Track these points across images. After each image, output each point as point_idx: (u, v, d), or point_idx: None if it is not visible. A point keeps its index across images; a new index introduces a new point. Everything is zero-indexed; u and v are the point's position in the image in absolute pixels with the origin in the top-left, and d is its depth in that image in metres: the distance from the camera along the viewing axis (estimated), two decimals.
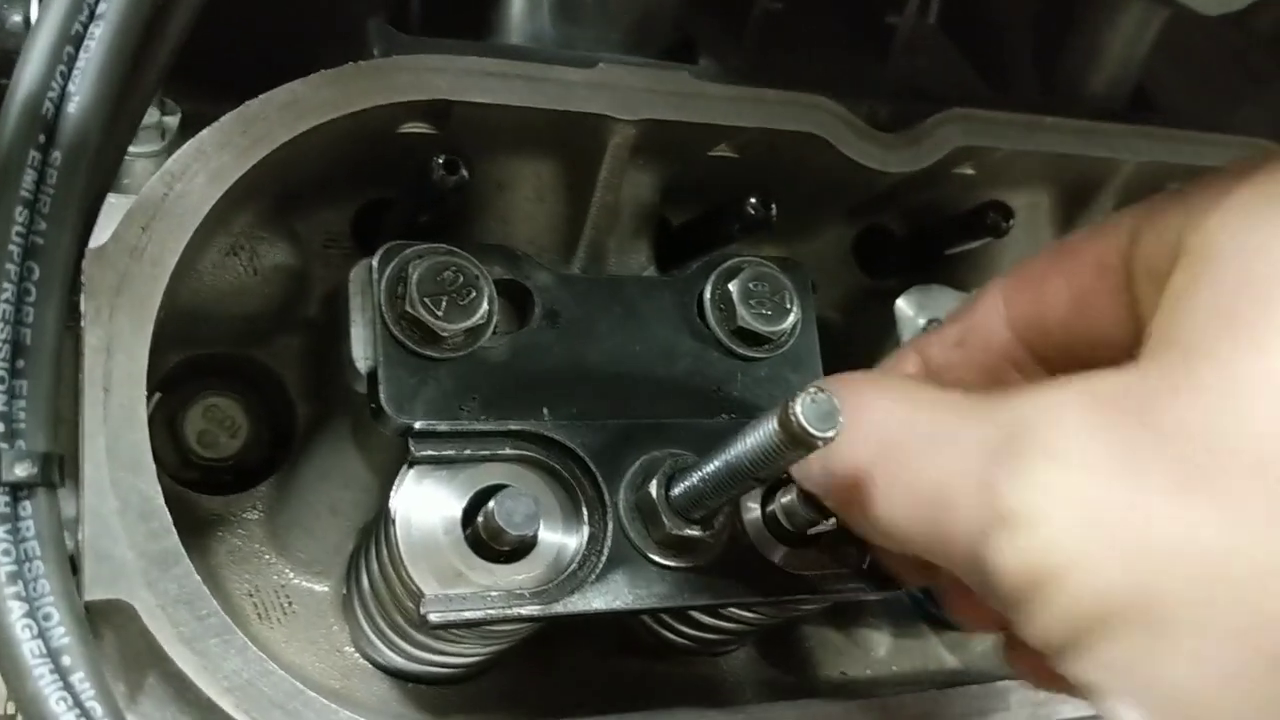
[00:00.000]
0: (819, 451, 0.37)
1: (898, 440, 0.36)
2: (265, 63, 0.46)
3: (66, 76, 0.39)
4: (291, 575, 0.50)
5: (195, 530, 0.49)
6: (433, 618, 0.41)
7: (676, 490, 0.43)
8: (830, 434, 0.37)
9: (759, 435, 0.39)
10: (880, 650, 0.59)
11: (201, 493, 0.51)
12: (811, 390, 0.37)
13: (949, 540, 0.34)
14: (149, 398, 0.41)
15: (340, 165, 0.48)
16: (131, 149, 0.48)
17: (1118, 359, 0.41)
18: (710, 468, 0.42)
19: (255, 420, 0.53)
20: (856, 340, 0.59)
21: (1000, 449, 0.32)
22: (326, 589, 0.50)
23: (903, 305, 0.56)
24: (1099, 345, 0.40)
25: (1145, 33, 0.64)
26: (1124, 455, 0.30)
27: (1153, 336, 0.33)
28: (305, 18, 0.55)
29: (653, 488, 0.44)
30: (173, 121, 0.52)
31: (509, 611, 0.42)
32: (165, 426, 0.52)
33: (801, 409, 0.37)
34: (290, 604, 0.49)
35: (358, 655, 0.49)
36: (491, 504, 0.42)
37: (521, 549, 0.43)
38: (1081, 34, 0.63)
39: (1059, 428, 0.31)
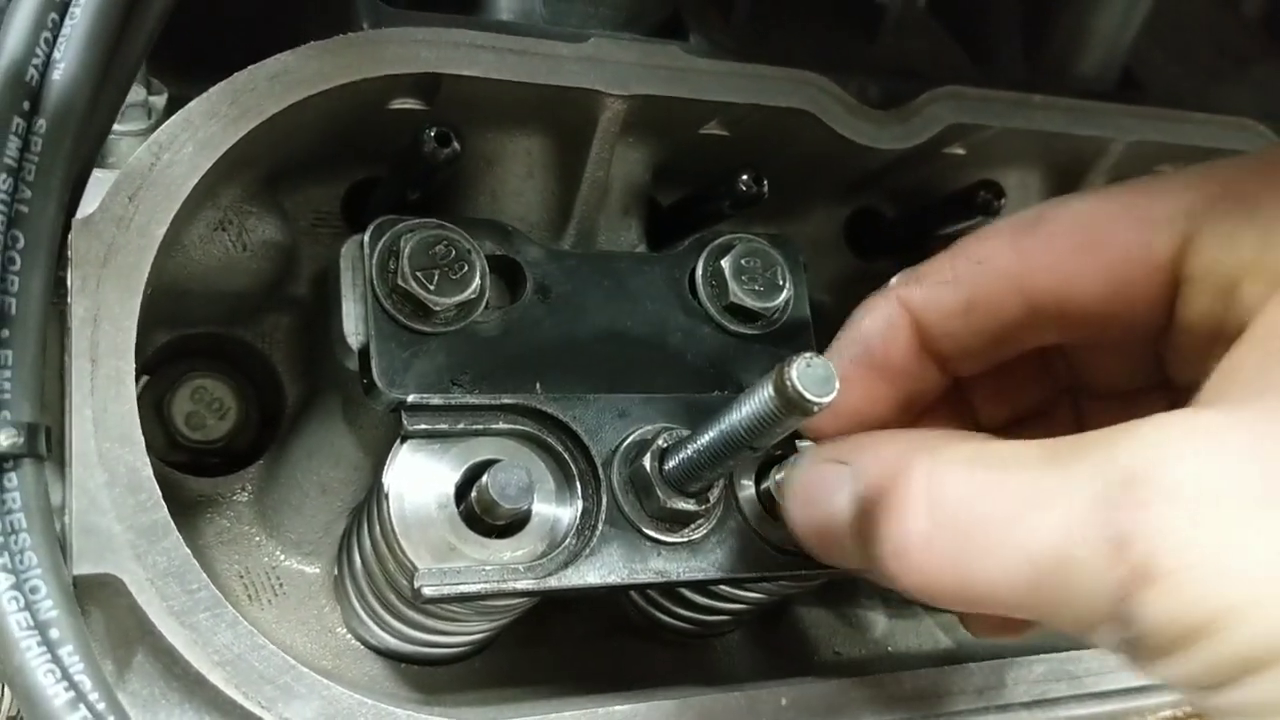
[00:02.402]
0: (895, 542, 0.36)
1: (986, 512, 0.34)
2: (251, 44, 0.45)
3: (51, 44, 0.38)
4: (282, 556, 0.50)
5: (184, 512, 0.49)
6: (427, 591, 0.40)
7: (671, 463, 0.43)
8: (826, 399, 0.37)
9: (754, 403, 0.39)
10: (875, 630, 0.58)
11: (190, 474, 0.50)
12: (807, 355, 0.37)
13: (1070, 603, 0.31)
14: (136, 379, 0.41)
15: (329, 141, 0.47)
16: (117, 127, 0.48)
17: (1144, 338, 0.41)
18: (705, 438, 0.42)
19: (243, 401, 0.53)
20: None
21: (1119, 500, 0.30)
22: (317, 570, 0.50)
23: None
24: (1127, 327, 0.40)
25: (1133, 14, 0.64)
26: (1260, 486, 0.29)
27: (1246, 366, 0.32)
28: (290, 4, 0.55)
29: (646, 460, 0.44)
30: (159, 101, 0.52)
31: (503, 585, 0.42)
32: (153, 409, 0.52)
33: (797, 374, 0.37)
34: (281, 585, 0.49)
35: (349, 636, 0.49)
36: (485, 478, 0.42)
37: (515, 523, 0.43)
38: (1069, 15, 0.63)
39: (1180, 466, 0.30)
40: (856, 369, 0.43)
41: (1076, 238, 0.40)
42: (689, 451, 0.42)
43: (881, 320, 0.43)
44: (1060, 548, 0.31)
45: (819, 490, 0.40)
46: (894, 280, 0.44)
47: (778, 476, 0.46)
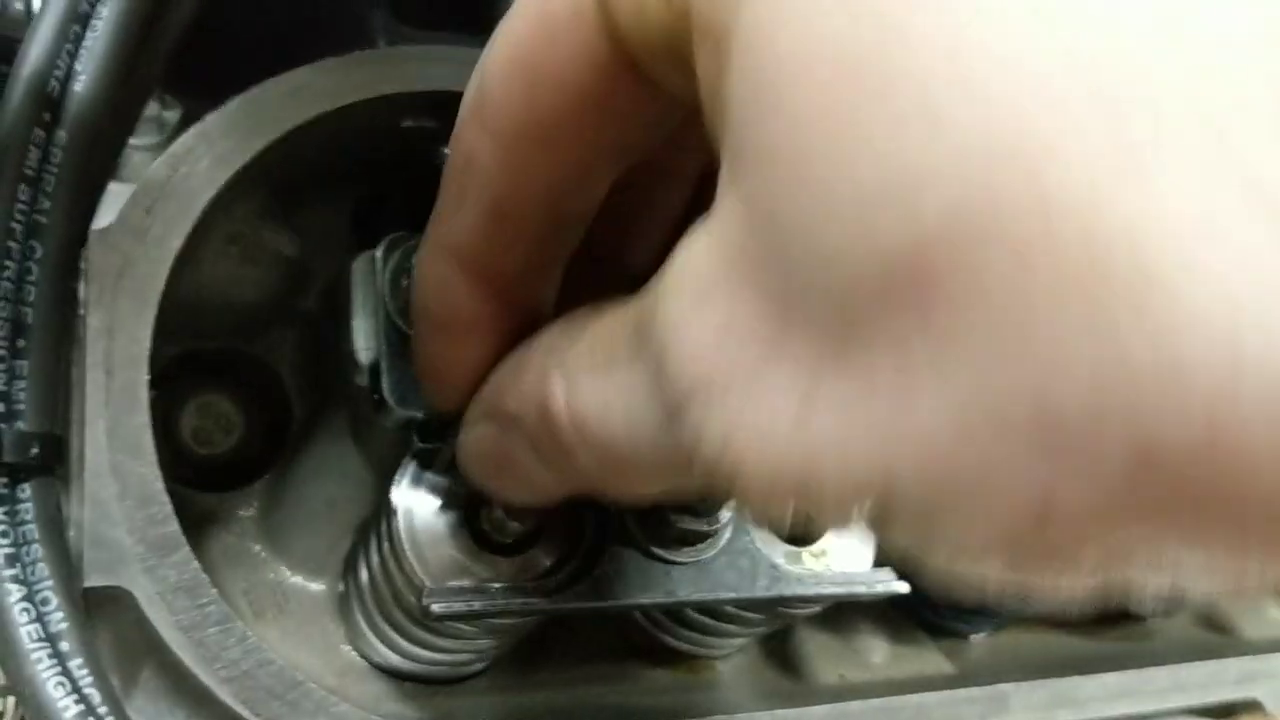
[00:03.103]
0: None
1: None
2: (266, 62, 0.46)
3: (73, 55, 0.39)
4: (287, 573, 0.49)
5: (189, 527, 0.48)
6: (435, 608, 0.40)
7: None
8: None
9: None
10: (877, 656, 0.58)
11: (195, 490, 0.50)
12: None
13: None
14: None
15: (342, 157, 0.47)
16: (131, 140, 0.48)
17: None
18: None
19: (250, 417, 0.53)
20: None
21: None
22: (323, 587, 0.49)
23: None
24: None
25: None
26: None
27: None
28: (303, 20, 0.55)
29: None
30: (172, 116, 0.52)
31: (511, 604, 0.41)
32: (159, 424, 0.51)
33: None
34: (286, 602, 0.49)
35: (354, 653, 0.49)
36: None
37: (524, 541, 0.43)
38: None
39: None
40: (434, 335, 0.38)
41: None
42: None
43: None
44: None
45: (493, 453, 0.37)
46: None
47: None
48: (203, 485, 0.50)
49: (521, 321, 0.36)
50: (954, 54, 0.19)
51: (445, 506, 0.43)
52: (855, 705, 0.48)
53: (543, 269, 0.36)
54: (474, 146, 0.33)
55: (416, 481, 0.43)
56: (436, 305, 0.37)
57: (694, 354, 0.25)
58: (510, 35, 0.31)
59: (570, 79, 0.30)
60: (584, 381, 0.31)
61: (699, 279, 0.25)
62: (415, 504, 0.43)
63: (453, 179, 0.35)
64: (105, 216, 0.40)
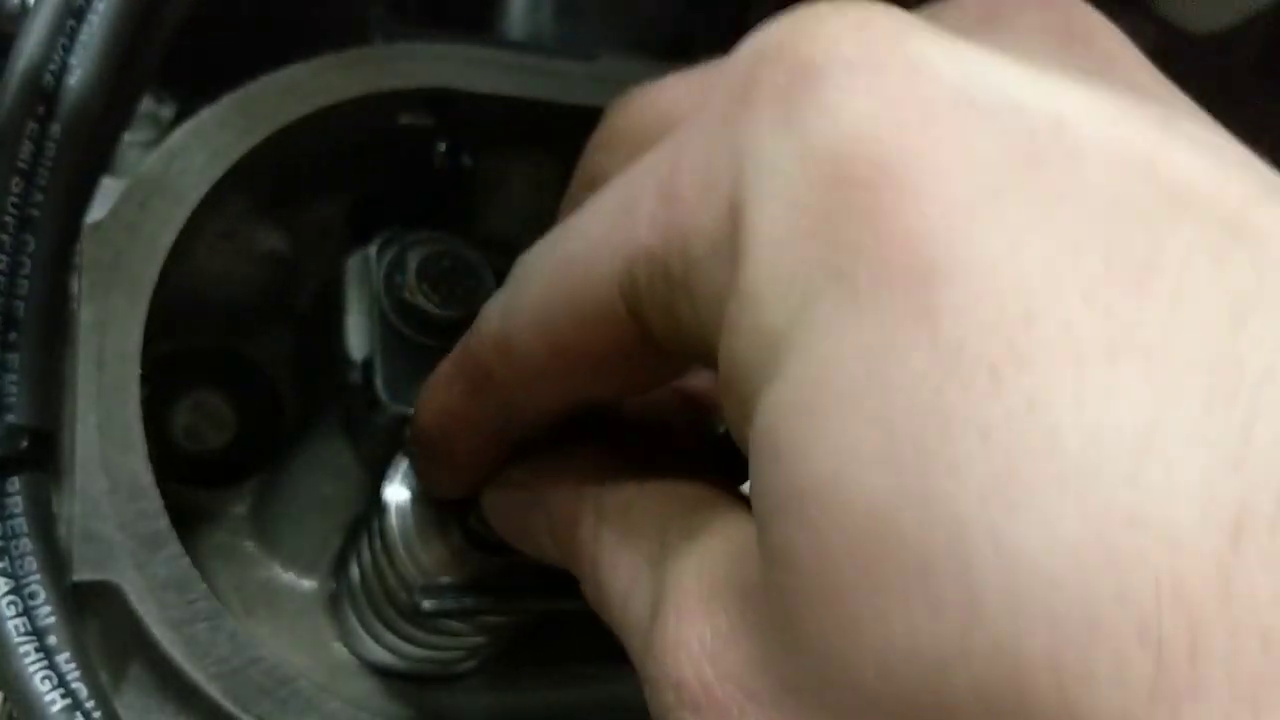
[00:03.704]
0: None
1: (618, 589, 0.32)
2: (263, 59, 0.46)
3: (68, 49, 0.39)
4: (279, 570, 0.49)
5: (181, 524, 0.48)
6: (426, 606, 0.40)
7: None
8: None
9: None
10: None
11: (187, 487, 0.50)
12: None
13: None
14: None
15: (338, 154, 0.47)
16: (126, 137, 0.48)
17: None
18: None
19: (243, 414, 0.52)
20: None
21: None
22: (314, 584, 0.49)
23: None
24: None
25: None
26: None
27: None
28: (299, 17, 0.55)
29: None
30: (168, 112, 0.52)
31: (503, 602, 0.41)
32: (152, 420, 0.51)
33: None
34: (277, 599, 0.49)
35: (345, 651, 0.48)
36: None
37: None
38: None
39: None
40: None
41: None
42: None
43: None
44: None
45: (518, 525, 0.38)
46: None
47: None
48: (194, 482, 0.50)
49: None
50: (999, 550, 0.19)
51: (438, 504, 0.43)
52: None
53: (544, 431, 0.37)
54: (491, 368, 0.34)
55: (409, 479, 0.43)
56: (437, 443, 0.39)
57: (687, 681, 0.25)
58: (538, 307, 0.31)
59: (595, 352, 0.30)
60: (611, 538, 0.32)
61: (709, 589, 0.26)
62: (407, 501, 0.43)
63: (462, 371, 0.36)
64: (99, 211, 0.40)
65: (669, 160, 0.27)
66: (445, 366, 0.38)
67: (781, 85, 0.24)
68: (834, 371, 0.22)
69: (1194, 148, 0.22)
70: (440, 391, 0.38)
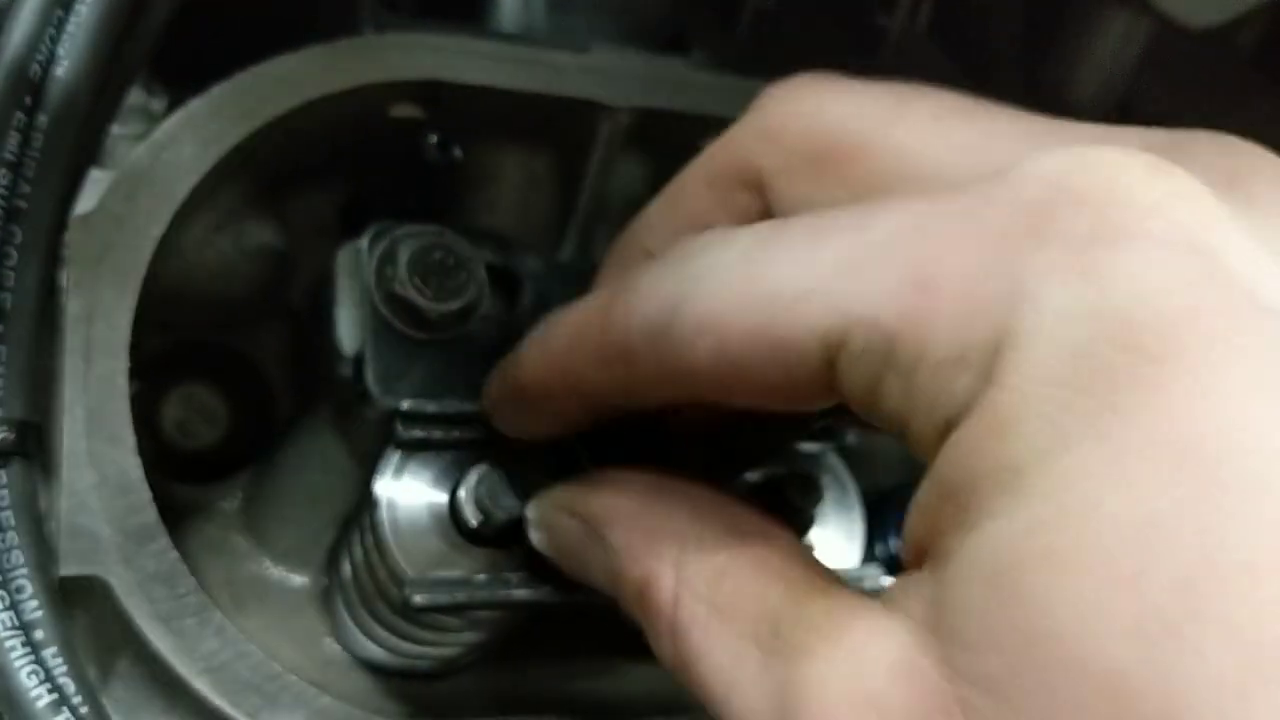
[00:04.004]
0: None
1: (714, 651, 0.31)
2: (253, 51, 0.45)
3: (55, 40, 0.38)
4: (269, 565, 0.49)
5: (171, 519, 0.48)
6: (417, 599, 0.40)
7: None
8: None
9: None
10: None
11: (178, 481, 0.50)
12: None
13: None
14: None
15: (329, 146, 0.47)
16: (116, 130, 0.48)
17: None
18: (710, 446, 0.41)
19: (234, 409, 0.52)
20: None
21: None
22: (305, 579, 0.49)
23: None
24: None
25: (1131, 44, 0.64)
26: None
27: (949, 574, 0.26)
28: (291, 7, 0.55)
29: None
30: (159, 105, 0.51)
31: (496, 596, 0.41)
32: (142, 415, 0.51)
33: None
34: (268, 594, 0.48)
35: (337, 647, 0.48)
36: (479, 486, 0.41)
37: (508, 533, 0.43)
38: (1067, 43, 0.64)
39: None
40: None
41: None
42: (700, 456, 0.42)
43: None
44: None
45: (572, 553, 0.38)
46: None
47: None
48: (185, 477, 0.50)
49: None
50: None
51: (429, 498, 0.42)
52: None
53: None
54: (636, 350, 0.33)
55: (400, 473, 0.43)
56: (532, 392, 0.39)
57: None
58: (719, 319, 0.31)
59: (765, 377, 0.30)
60: (700, 609, 0.31)
61: (866, 706, 0.26)
62: (398, 496, 0.42)
63: (597, 340, 0.35)
64: (87, 203, 0.40)
65: (926, 243, 0.27)
66: (571, 325, 0.36)
67: (1085, 234, 0.25)
68: (1088, 527, 0.22)
69: None
70: (560, 347, 0.37)
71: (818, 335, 0.28)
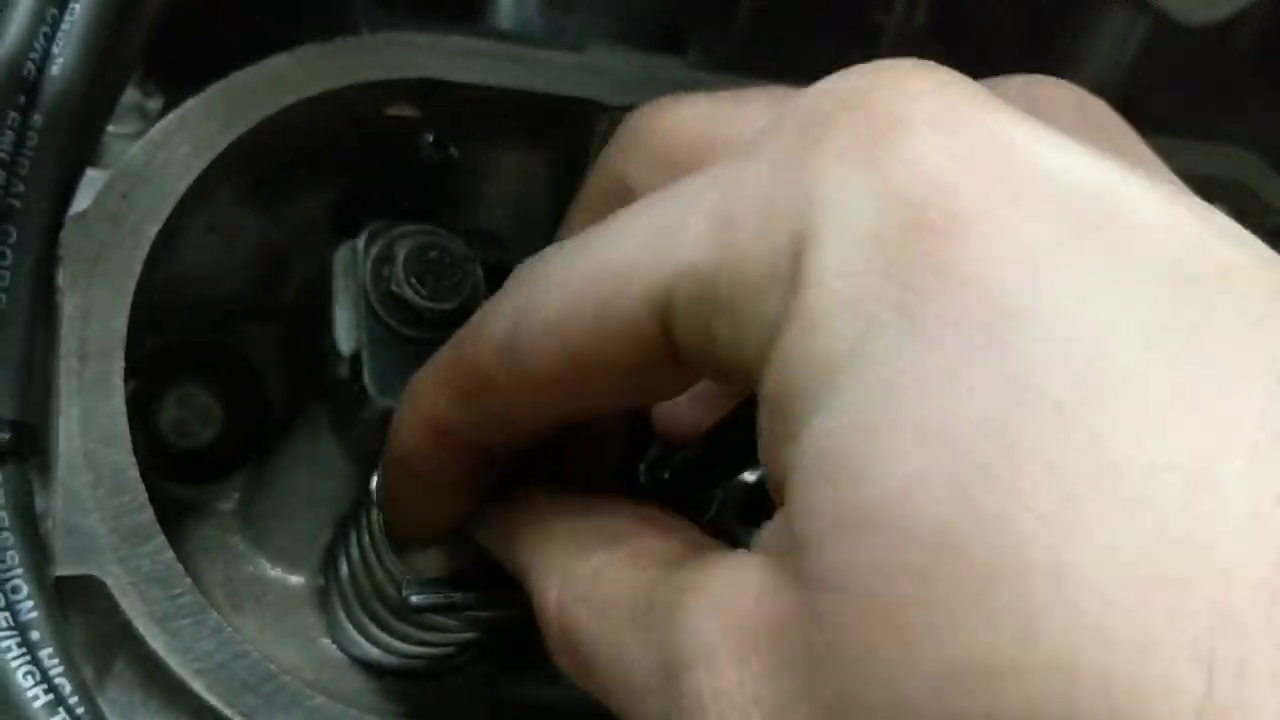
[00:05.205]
0: None
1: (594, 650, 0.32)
2: (248, 50, 0.45)
3: (50, 38, 0.38)
4: (266, 566, 0.49)
5: (167, 520, 0.47)
6: (415, 600, 0.40)
7: (667, 473, 0.43)
8: None
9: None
10: None
11: (174, 482, 0.50)
12: None
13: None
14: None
15: (324, 145, 0.47)
16: (112, 129, 0.47)
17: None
18: (698, 450, 0.41)
19: (230, 409, 0.52)
20: None
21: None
22: (302, 580, 0.49)
23: None
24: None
25: (1128, 43, 0.64)
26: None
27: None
28: (286, 7, 0.55)
29: (642, 470, 0.43)
30: (154, 104, 0.51)
31: (493, 595, 0.41)
32: (139, 415, 0.51)
33: None
34: (265, 595, 0.48)
35: (334, 647, 0.48)
36: None
37: None
38: (1065, 39, 0.64)
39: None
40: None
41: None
42: (682, 461, 0.42)
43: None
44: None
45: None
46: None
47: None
48: (181, 477, 0.50)
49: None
50: (1059, 569, 0.20)
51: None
52: None
53: (532, 444, 0.37)
54: (492, 374, 0.33)
55: None
56: (417, 462, 0.38)
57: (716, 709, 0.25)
58: (558, 315, 0.31)
59: (615, 364, 0.30)
60: (582, 612, 0.32)
61: (736, 634, 0.26)
62: None
63: (456, 378, 0.35)
64: (82, 202, 0.40)
65: (724, 185, 0.28)
66: (428, 376, 0.37)
67: (862, 132, 0.25)
68: (898, 398, 0.23)
69: (1229, 231, 0.24)
70: (425, 401, 0.36)
71: (648, 302, 0.28)
